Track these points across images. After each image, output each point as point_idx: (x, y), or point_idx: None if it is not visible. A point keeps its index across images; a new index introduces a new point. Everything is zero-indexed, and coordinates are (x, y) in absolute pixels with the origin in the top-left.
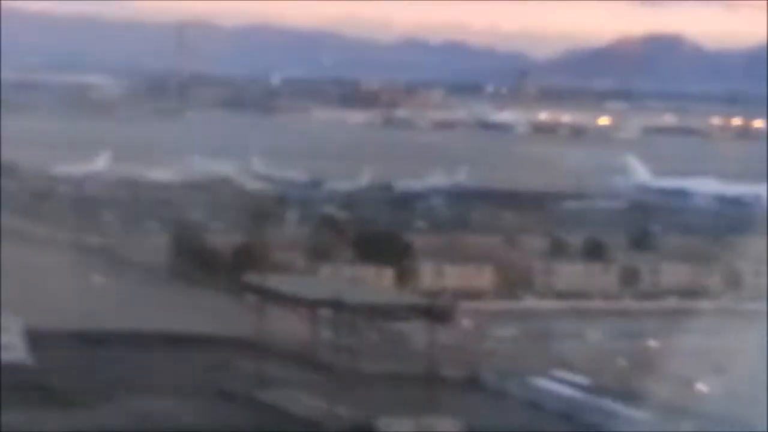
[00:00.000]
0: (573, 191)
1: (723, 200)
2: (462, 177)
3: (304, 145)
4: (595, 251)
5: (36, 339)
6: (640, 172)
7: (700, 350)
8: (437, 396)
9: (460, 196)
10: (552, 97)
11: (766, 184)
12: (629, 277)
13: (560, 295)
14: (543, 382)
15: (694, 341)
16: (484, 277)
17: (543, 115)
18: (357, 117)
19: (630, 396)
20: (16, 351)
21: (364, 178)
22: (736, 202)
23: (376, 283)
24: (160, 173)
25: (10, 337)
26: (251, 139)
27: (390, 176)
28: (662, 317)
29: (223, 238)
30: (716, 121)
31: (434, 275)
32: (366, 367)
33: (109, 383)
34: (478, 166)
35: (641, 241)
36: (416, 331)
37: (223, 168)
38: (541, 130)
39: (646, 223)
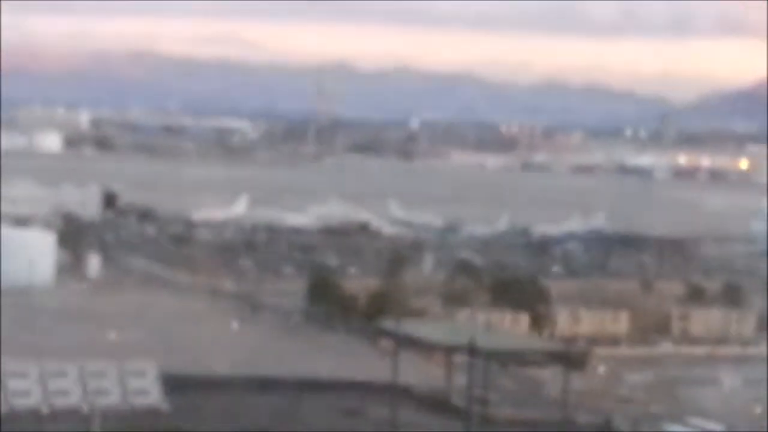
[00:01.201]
0: (711, 236)
1: None
2: (600, 222)
3: (442, 189)
4: (732, 296)
5: (172, 384)
6: None
7: None
8: None
9: (597, 241)
10: (692, 140)
11: None
12: (766, 323)
13: (696, 341)
14: (678, 429)
15: None
16: (619, 323)
17: (682, 159)
18: (495, 161)
19: None
20: (152, 396)
21: (502, 223)
22: None
23: (511, 328)
24: (298, 218)
25: (146, 382)
26: (389, 184)
27: (527, 221)
28: None
29: (359, 282)
30: None
31: (570, 321)
32: (500, 413)
33: (244, 428)
34: (617, 210)
35: None
36: (551, 377)
37: (361, 213)
38: (681, 173)
39: None
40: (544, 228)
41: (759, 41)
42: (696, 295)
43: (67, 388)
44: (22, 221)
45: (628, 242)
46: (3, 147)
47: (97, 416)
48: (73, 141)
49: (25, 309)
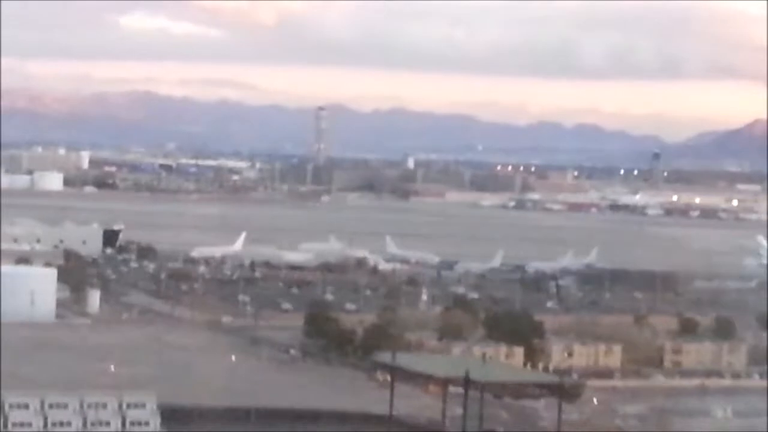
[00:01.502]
0: (703, 272)
1: None
2: (593, 258)
3: (438, 227)
4: (724, 330)
5: (171, 415)
6: None
7: None
8: None
9: (590, 277)
10: (684, 179)
11: None
12: (757, 356)
13: (688, 374)
14: None
15: None
16: (613, 356)
17: (674, 197)
18: (491, 199)
19: None
20: (151, 427)
21: (497, 259)
22: None
23: (506, 361)
24: (296, 255)
25: (145, 414)
26: (385, 221)
27: (522, 257)
28: None
29: (356, 317)
30: None
31: (564, 354)
32: None
33: None
34: (610, 247)
35: None
36: (545, 409)
37: (358, 250)
38: (673, 212)
39: None
40: (538, 264)
41: (749, 83)
42: (688, 329)
43: (67, 419)
44: (24, 258)
45: (621, 278)
46: (5, 186)
47: None
48: (73, 181)
49: (26, 342)
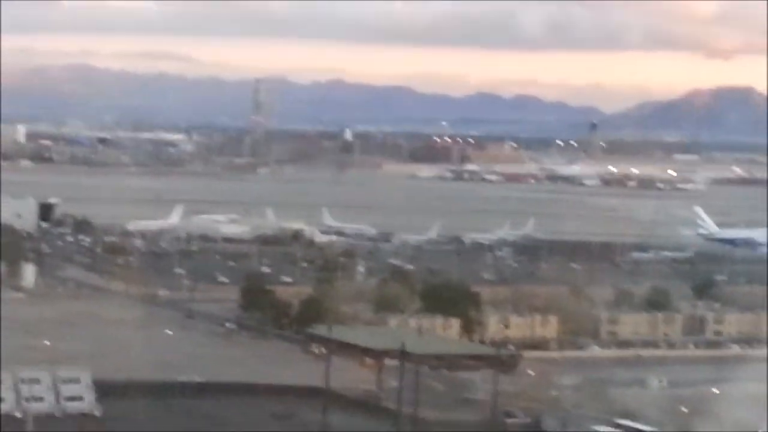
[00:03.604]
0: (640, 242)
1: None
2: (530, 229)
3: (375, 199)
4: (659, 301)
5: (106, 390)
6: (708, 223)
7: (763, 398)
8: None
9: (527, 248)
10: (621, 150)
11: None
12: (693, 326)
13: (624, 344)
14: (606, 430)
15: (756, 389)
16: (549, 327)
17: (612, 168)
18: (428, 171)
19: None
20: (84, 401)
21: (433, 231)
22: None
23: (442, 333)
24: (232, 227)
25: (79, 388)
26: (322, 193)
27: (459, 229)
28: (725, 365)
29: (292, 290)
30: None
31: (500, 326)
32: (430, 416)
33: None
34: (547, 218)
35: (705, 291)
36: (482, 381)
37: (295, 222)
38: (610, 182)
39: (711, 273)
40: (476, 236)
41: (688, 54)
42: (624, 300)
43: (0, 395)
44: None
45: (558, 249)
46: None
47: (30, 422)
48: (9, 154)
49: None
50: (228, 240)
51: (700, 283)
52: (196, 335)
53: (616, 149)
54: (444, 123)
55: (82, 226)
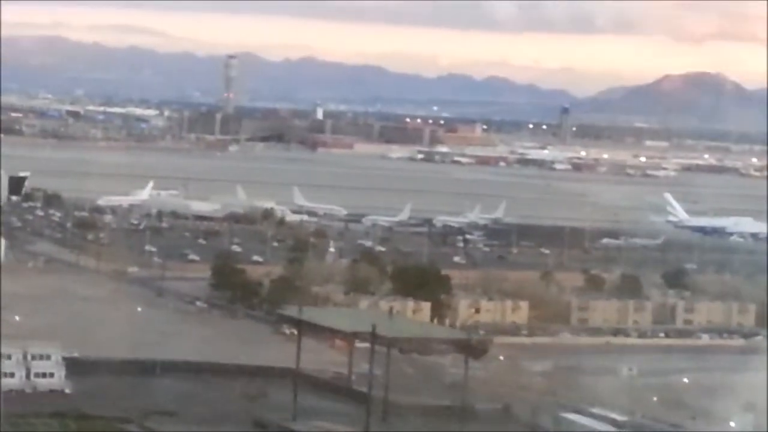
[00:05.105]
0: (610, 229)
1: (758, 239)
2: (500, 213)
3: (346, 179)
4: (630, 288)
5: (76, 367)
6: (678, 211)
7: (732, 387)
8: (469, 428)
9: (498, 232)
10: (592, 134)
11: None
12: (663, 314)
13: (595, 332)
14: (575, 417)
15: (726, 378)
16: (519, 313)
17: (583, 153)
18: (399, 151)
19: None
20: (55, 378)
21: (405, 213)
22: None
23: (413, 316)
24: (203, 205)
25: (49, 365)
26: (293, 172)
27: (430, 211)
28: (695, 354)
29: (262, 269)
30: (755, 160)
31: (471, 310)
32: (400, 399)
33: (146, 410)
34: (517, 202)
35: (676, 279)
36: (452, 365)
37: (265, 201)
38: (581, 167)
39: (681, 261)
40: (446, 218)
41: (659, 39)
42: (594, 287)
43: None
44: None
45: (529, 234)
46: None
47: (1, 397)
48: None
49: None
50: (199, 217)
51: (670, 271)
52: (167, 313)
53: (587, 133)
54: (415, 103)
55: (52, 200)
